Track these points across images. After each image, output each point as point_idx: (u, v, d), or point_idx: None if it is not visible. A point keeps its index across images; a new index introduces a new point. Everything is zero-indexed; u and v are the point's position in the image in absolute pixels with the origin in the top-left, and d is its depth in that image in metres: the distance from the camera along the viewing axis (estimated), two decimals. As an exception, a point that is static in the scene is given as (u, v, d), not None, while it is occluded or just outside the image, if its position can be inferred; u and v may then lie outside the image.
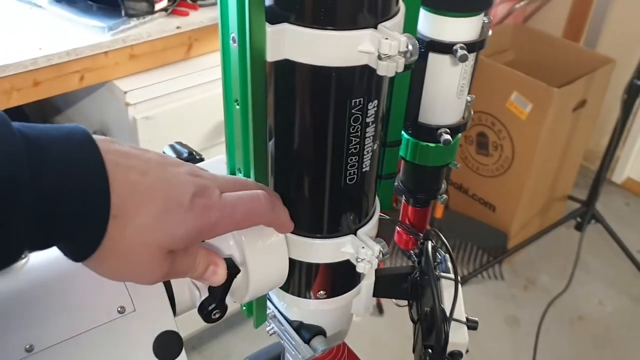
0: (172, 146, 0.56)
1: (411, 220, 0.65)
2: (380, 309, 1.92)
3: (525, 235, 2.10)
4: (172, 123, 1.21)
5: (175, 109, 1.22)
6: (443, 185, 0.64)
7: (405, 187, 0.63)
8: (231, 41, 0.44)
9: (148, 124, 1.20)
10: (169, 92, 1.23)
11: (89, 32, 1.16)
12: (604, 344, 1.88)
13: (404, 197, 0.65)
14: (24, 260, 0.42)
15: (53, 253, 0.38)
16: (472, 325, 0.55)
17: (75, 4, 1.21)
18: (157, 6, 1.23)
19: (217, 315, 0.45)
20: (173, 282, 0.45)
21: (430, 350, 0.51)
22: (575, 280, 2.04)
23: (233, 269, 0.45)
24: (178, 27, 1.25)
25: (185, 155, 0.54)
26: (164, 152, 0.57)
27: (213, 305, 0.44)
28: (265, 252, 0.48)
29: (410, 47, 0.42)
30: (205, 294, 0.45)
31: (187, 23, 1.26)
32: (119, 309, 0.42)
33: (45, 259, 0.42)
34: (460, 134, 0.60)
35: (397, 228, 0.67)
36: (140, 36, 1.20)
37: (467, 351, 0.55)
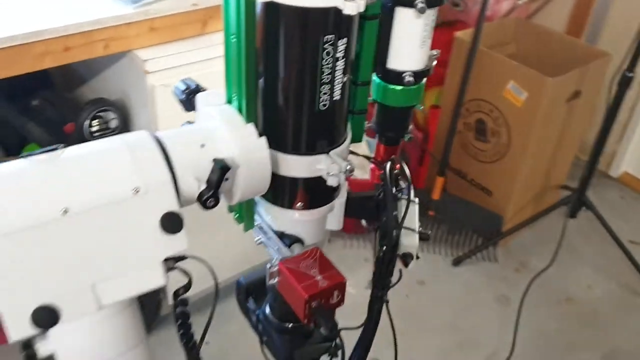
0: (183, 80, 0.68)
1: (382, 157, 0.77)
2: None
3: (519, 220, 2.20)
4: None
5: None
6: (410, 127, 0.75)
7: (377, 127, 0.75)
8: (230, -15, 0.56)
9: (165, 90, 1.32)
10: (186, 63, 1.36)
11: (114, 4, 1.29)
12: (589, 324, 1.97)
13: (377, 137, 0.77)
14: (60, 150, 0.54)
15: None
16: (423, 235, 0.66)
17: (103, -20, 1.34)
18: (177, -16, 1.35)
19: (211, 204, 0.57)
20: (179, 175, 0.57)
21: (384, 249, 0.62)
22: (566, 265, 2.14)
23: (225, 167, 0.56)
24: (194, 5, 1.37)
25: (193, 86, 0.66)
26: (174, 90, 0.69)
27: (209, 194, 0.56)
28: (252, 160, 0.60)
29: (368, -6, 0.53)
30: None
31: (203, 1, 1.38)
32: (135, 188, 0.53)
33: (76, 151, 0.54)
34: (424, 80, 0.71)
35: (371, 165, 0.78)
36: (160, 10, 1.32)
37: (417, 257, 0.66)
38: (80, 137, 1.38)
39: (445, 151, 2.13)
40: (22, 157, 0.52)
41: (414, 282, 2.07)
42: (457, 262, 2.16)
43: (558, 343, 1.91)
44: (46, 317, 0.51)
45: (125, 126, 1.46)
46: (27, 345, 0.55)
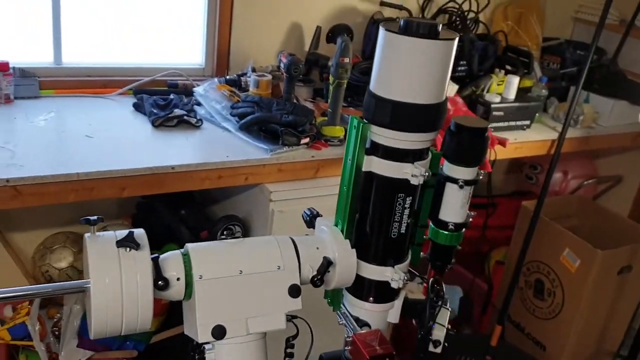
0: (309, 208, 1.10)
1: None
2: None
3: (569, 378, 2.39)
4: (297, 217, 1.76)
5: (300, 208, 1.78)
6: (453, 260, 1.11)
7: (430, 257, 1.12)
8: (348, 160, 0.98)
9: (281, 215, 1.76)
10: (299, 197, 1.80)
11: (256, 151, 1.78)
12: None
13: (429, 265, 1.13)
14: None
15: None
16: (450, 331, 1.00)
17: (251, 133, 1.85)
18: (302, 141, 1.83)
19: (318, 284, 0.95)
20: (302, 263, 0.95)
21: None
22: None
23: (329, 262, 0.95)
24: (312, 157, 1.84)
25: (315, 213, 1.07)
26: (302, 214, 1.10)
27: (318, 277, 0.94)
28: (345, 262, 0.98)
29: (427, 175, 0.94)
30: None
31: (319, 154, 1.85)
32: (278, 266, 0.93)
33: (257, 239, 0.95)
34: (463, 229, 1.08)
35: (424, 284, 1.14)
36: (288, 158, 1.80)
37: (446, 344, 0.99)
38: (212, 243, 1.82)
39: (505, 303, 2.41)
40: (221, 238, 0.93)
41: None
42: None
43: None
44: (219, 332, 0.89)
45: (245, 239, 1.90)
46: (201, 352, 0.93)
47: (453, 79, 2.28)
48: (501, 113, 2.21)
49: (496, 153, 2.11)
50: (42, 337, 1.93)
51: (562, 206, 2.62)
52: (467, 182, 1.03)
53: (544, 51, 2.78)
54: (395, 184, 0.95)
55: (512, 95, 2.26)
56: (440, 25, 0.90)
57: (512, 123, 2.26)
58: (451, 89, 2.16)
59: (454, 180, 1.03)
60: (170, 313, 2.00)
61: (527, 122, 2.30)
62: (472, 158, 1.02)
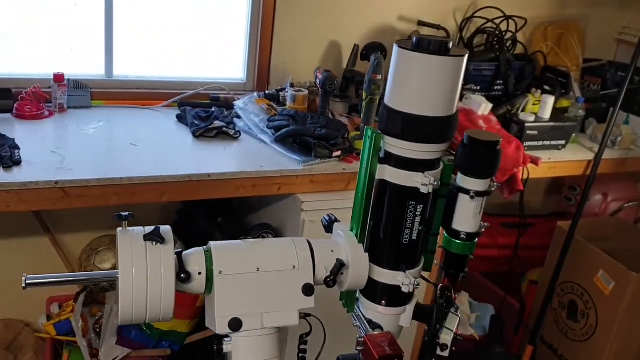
0: (328, 214, 1.16)
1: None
2: None
3: (602, 402, 2.35)
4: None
5: (330, 219, 1.84)
6: (466, 269, 1.15)
7: (443, 265, 1.16)
8: (363, 168, 1.04)
9: (312, 225, 1.83)
10: (330, 208, 1.85)
11: (290, 162, 1.85)
12: None
13: (443, 273, 1.17)
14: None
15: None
16: (458, 337, 1.04)
17: (285, 145, 1.92)
18: (334, 154, 1.90)
19: (331, 284, 1.01)
20: (317, 264, 1.01)
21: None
22: None
23: (342, 264, 1.01)
24: (343, 169, 1.90)
25: (333, 219, 1.13)
26: (322, 220, 1.16)
27: (331, 278, 1.00)
28: (358, 265, 1.04)
29: (436, 184, 0.99)
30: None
31: (350, 167, 1.91)
32: (293, 265, 0.99)
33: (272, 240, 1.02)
34: (476, 239, 1.12)
35: (434, 290, 1.18)
36: (320, 170, 1.87)
37: (453, 348, 1.03)
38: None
39: (537, 323, 2.40)
40: (241, 239, 1.01)
41: None
42: None
43: None
44: (235, 325, 0.96)
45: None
46: (219, 343, 0.99)
47: (489, 98, 2.31)
48: (535, 132, 2.22)
49: (529, 171, 2.12)
50: (84, 334, 2.04)
51: (599, 228, 2.59)
52: (479, 193, 1.07)
53: (584, 72, 2.77)
54: (406, 192, 1.01)
55: (547, 114, 2.28)
56: (451, 42, 0.95)
57: (547, 142, 2.27)
58: (486, 107, 2.19)
59: (466, 191, 1.07)
60: (203, 316, 2.08)
61: (563, 142, 2.31)
62: (484, 170, 1.06)
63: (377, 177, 1.02)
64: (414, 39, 0.96)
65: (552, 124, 2.26)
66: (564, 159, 2.29)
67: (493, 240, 2.75)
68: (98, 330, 2.07)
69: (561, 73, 2.53)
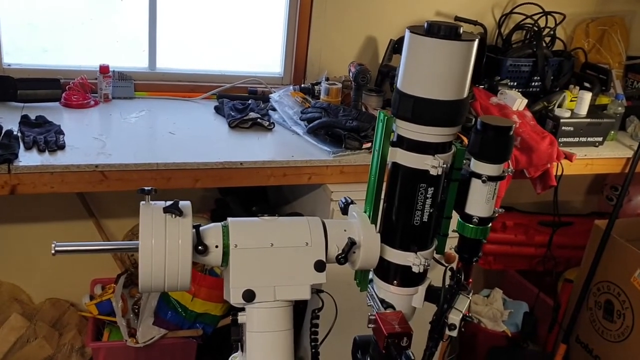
0: (345, 197, 1.20)
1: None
2: None
3: (637, 404, 2.30)
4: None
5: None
6: (480, 254, 1.17)
7: (457, 250, 1.18)
8: (376, 150, 1.07)
9: (340, 214, 1.86)
10: (359, 198, 1.89)
11: (321, 153, 1.90)
12: None
13: (458, 257, 1.19)
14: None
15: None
16: (468, 317, 1.06)
17: (317, 136, 1.97)
18: (364, 146, 1.93)
19: (342, 261, 1.05)
20: (329, 242, 1.06)
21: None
22: None
23: (354, 242, 1.05)
24: (374, 161, 1.94)
25: (349, 201, 1.17)
26: (339, 202, 1.20)
27: (342, 255, 1.04)
28: (369, 245, 1.07)
29: (445, 167, 1.01)
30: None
31: (381, 159, 1.94)
32: (306, 242, 1.04)
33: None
34: (489, 224, 1.14)
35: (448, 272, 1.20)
36: (349, 162, 1.91)
37: (462, 329, 1.06)
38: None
39: (571, 322, 2.37)
40: (258, 216, 1.06)
41: None
42: None
43: None
44: (249, 296, 1.01)
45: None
46: (235, 314, 1.05)
47: (526, 94, 2.29)
48: (570, 128, 2.20)
49: (563, 167, 2.11)
50: (123, 313, 2.14)
51: (639, 228, 2.53)
52: (491, 178, 1.09)
53: (628, 69, 2.72)
54: (416, 174, 1.04)
55: (583, 111, 2.25)
56: (462, 28, 0.98)
57: (583, 139, 2.24)
58: (520, 102, 2.18)
59: (478, 176, 1.09)
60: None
61: (600, 139, 2.27)
62: (496, 155, 1.08)
63: (389, 160, 1.05)
64: (425, 24, 0.99)
65: (588, 120, 2.23)
66: (600, 156, 2.25)
67: (529, 238, 2.73)
68: (136, 310, 2.17)
69: (601, 70, 2.49)
